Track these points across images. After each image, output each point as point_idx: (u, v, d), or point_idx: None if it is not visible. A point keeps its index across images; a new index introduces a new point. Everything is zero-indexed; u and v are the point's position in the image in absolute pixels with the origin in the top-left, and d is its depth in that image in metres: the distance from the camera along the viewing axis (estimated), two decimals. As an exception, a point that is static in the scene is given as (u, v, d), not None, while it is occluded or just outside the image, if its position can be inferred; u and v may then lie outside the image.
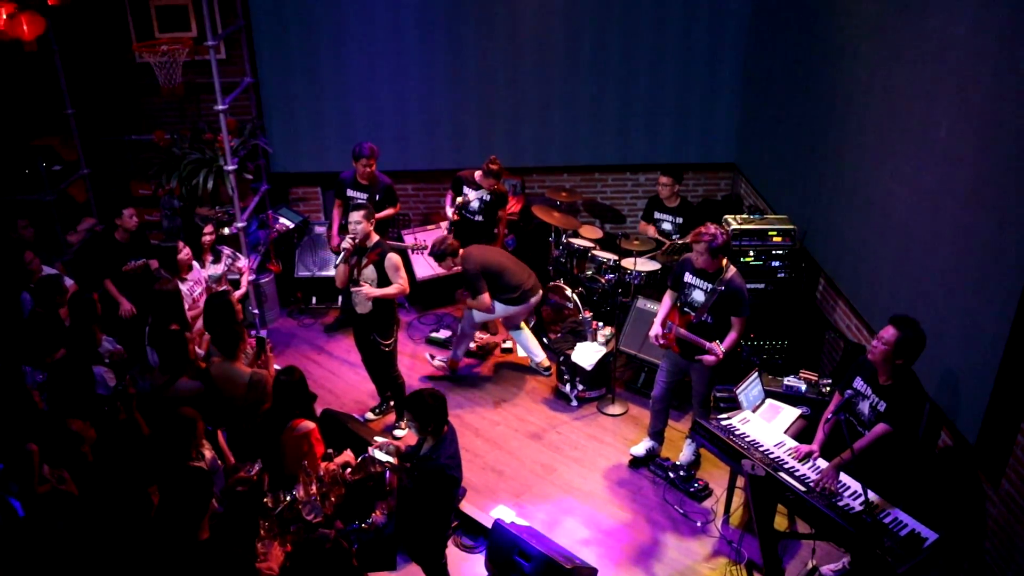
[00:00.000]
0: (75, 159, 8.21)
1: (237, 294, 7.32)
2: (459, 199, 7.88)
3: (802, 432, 5.56)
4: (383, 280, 6.32)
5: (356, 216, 6.25)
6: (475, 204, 7.88)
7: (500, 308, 7.17)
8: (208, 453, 5.01)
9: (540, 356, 7.57)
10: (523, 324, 7.48)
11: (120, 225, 7.13)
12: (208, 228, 7.31)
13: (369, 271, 6.32)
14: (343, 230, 7.94)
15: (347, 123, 9.00)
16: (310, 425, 5.26)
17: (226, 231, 7.91)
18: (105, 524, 4.51)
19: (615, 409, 7.16)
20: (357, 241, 6.28)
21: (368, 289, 6.29)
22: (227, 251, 7.47)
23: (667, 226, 8.17)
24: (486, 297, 7.04)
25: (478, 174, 7.83)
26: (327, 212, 9.33)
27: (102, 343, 6.11)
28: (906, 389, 4.64)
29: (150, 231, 8.83)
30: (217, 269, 7.27)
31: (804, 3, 7.19)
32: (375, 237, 6.38)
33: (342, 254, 6.34)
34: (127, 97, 8.92)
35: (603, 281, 7.82)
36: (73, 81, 8.04)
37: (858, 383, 4.89)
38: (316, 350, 8.14)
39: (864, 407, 4.85)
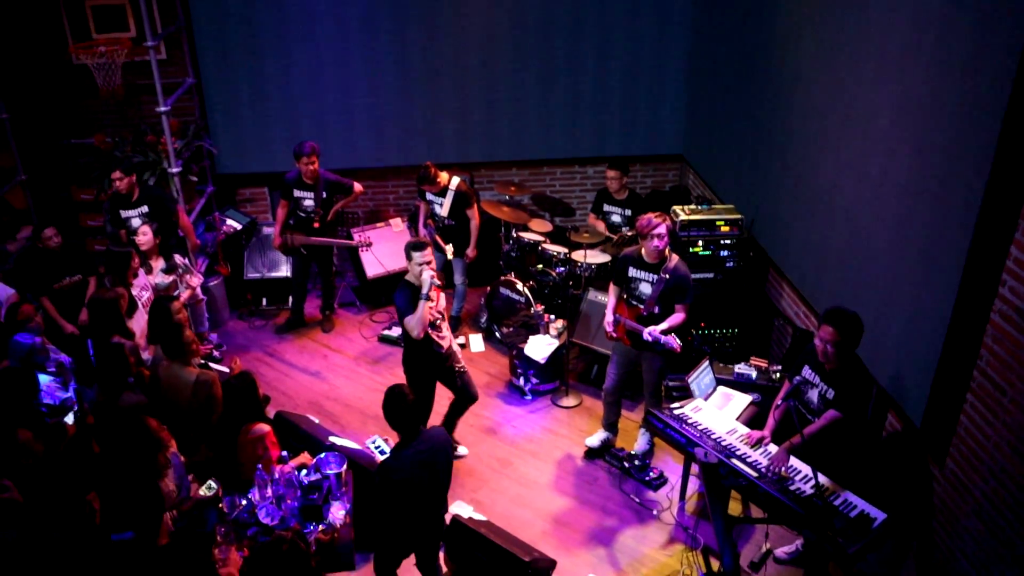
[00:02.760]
0: (12, 165, 8.01)
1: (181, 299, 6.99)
2: (428, 221, 7.95)
3: (754, 418, 5.65)
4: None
5: (425, 255, 5.69)
6: (438, 209, 7.88)
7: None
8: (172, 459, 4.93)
9: None
10: None
11: (43, 247, 6.99)
12: (143, 229, 6.78)
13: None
14: (287, 229, 7.86)
15: (293, 122, 8.88)
16: (264, 428, 5.21)
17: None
18: (50, 536, 4.42)
19: (569, 401, 7.21)
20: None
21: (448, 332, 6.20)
22: (181, 261, 7.15)
23: (616, 218, 8.23)
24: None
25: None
26: (275, 213, 9.23)
27: (48, 353, 5.98)
28: (852, 375, 4.74)
29: (94, 236, 8.68)
30: (165, 279, 6.94)
31: (745, -5, 7.28)
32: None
33: (428, 289, 5.67)
34: (65, 100, 8.69)
35: (554, 274, 7.85)
36: (7, 86, 7.84)
37: (806, 371, 4.98)
38: (268, 352, 8.05)
39: (813, 395, 4.93)
